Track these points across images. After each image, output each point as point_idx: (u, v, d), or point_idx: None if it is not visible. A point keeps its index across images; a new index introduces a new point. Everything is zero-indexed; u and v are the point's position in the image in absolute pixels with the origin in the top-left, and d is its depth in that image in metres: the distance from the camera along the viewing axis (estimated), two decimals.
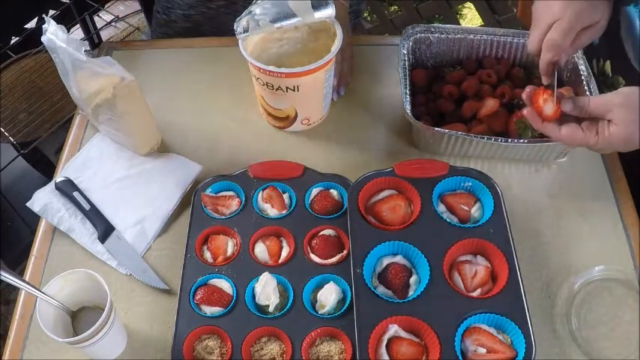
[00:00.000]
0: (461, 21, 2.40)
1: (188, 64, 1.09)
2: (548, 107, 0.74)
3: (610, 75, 0.94)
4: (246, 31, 0.84)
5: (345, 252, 0.80)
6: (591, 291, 0.79)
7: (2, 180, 1.54)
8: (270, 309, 0.75)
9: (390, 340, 0.71)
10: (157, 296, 0.80)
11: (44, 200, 0.86)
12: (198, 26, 1.20)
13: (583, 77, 0.91)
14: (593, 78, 0.91)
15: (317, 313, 0.75)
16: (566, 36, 0.78)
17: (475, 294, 0.74)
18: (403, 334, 0.72)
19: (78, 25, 1.73)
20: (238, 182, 0.87)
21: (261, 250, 0.80)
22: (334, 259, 0.79)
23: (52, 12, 1.64)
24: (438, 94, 0.96)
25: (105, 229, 0.84)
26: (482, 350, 0.70)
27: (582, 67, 0.92)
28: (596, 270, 0.79)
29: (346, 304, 0.75)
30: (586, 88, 0.90)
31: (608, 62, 0.94)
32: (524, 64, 1.00)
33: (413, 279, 0.76)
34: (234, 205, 0.85)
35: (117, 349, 0.75)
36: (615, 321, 0.77)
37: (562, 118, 0.75)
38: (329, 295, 0.75)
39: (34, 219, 0.88)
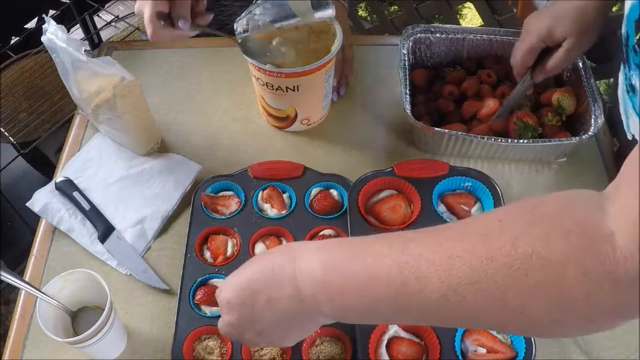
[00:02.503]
0: (461, 21, 2.40)
1: (188, 64, 1.09)
2: None
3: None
4: (246, 31, 0.84)
5: None
6: None
7: (2, 180, 1.54)
8: None
9: (390, 340, 0.71)
10: (157, 296, 0.80)
11: (44, 200, 0.86)
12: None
13: (583, 77, 0.91)
14: (593, 77, 0.91)
15: None
16: (525, 53, 0.84)
17: None
18: (403, 334, 0.72)
19: (78, 25, 1.73)
20: (238, 182, 0.87)
21: (261, 250, 0.80)
22: None
23: (52, 12, 1.64)
24: (438, 94, 0.96)
25: (105, 229, 0.84)
26: (483, 350, 0.70)
27: (582, 67, 0.92)
28: None
29: None
30: (586, 87, 0.90)
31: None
32: None
33: None
34: (234, 205, 0.85)
35: (117, 349, 0.75)
36: None
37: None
38: None
39: (34, 219, 0.88)
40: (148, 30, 0.77)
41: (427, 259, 0.44)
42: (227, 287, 0.56)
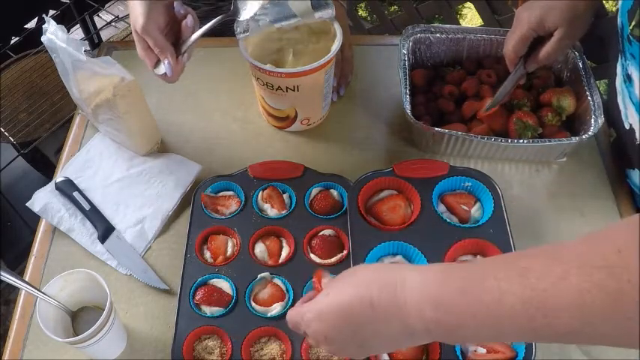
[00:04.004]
0: (461, 21, 2.40)
1: (188, 64, 1.08)
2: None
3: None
4: (246, 31, 0.84)
5: (345, 252, 0.80)
6: None
7: (2, 180, 1.54)
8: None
9: None
10: (157, 296, 0.80)
11: (44, 200, 0.86)
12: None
13: (583, 77, 0.91)
14: (593, 77, 0.91)
15: None
16: (517, 42, 0.84)
17: None
18: None
19: (78, 25, 1.73)
20: (238, 182, 0.87)
21: (261, 250, 0.80)
22: (334, 259, 0.79)
23: (52, 12, 1.64)
24: (438, 94, 0.96)
25: (105, 229, 0.84)
26: (482, 350, 0.70)
27: (582, 67, 0.92)
28: None
29: None
30: (586, 87, 0.90)
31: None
32: None
33: None
34: (234, 205, 0.85)
35: (117, 349, 0.75)
36: None
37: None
38: None
39: (34, 219, 0.88)
40: (164, 80, 0.80)
41: (553, 295, 0.42)
42: (317, 318, 0.54)
